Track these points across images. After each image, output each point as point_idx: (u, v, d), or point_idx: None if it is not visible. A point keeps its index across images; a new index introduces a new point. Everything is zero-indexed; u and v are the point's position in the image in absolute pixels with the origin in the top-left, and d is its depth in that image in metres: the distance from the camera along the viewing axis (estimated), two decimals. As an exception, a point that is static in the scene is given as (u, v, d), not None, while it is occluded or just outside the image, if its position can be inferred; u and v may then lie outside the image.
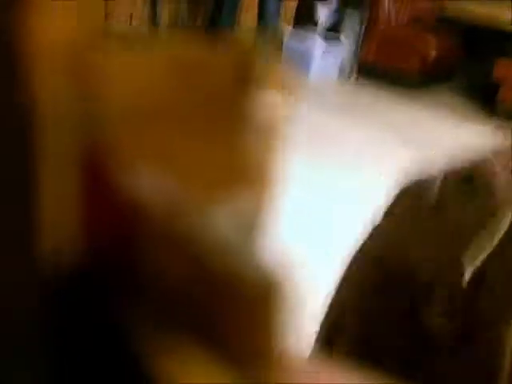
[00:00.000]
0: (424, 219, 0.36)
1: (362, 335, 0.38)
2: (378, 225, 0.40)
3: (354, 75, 5.19)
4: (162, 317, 0.23)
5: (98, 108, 0.23)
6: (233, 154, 0.25)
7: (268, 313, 0.24)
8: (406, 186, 0.39)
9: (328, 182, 3.19)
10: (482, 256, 0.32)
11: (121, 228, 0.23)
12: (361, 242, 0.42)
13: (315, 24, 5.01)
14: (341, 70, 5.17)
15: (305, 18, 5.09)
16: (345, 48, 5.12)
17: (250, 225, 0.25)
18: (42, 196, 0.22)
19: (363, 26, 5.10)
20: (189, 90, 0.25)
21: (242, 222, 0.24)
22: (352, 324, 0.39)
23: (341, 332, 0.40)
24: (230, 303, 0.23)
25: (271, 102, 0.26)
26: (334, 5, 5.08)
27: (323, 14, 5.04)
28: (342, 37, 5.11)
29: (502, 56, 4.31)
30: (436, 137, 3.96)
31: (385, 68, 5.01)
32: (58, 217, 0.22)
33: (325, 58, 4.98)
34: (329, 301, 0.43)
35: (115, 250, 0.23)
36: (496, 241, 0.32)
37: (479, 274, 0.32)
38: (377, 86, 4.91)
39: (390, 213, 0.39)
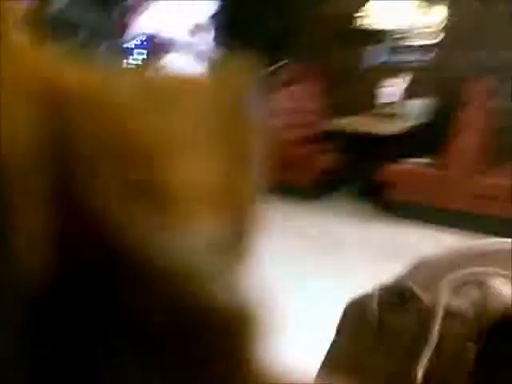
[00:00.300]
0: (368, 335, 0.37)
1: None
2: (333, 341, 0.40)
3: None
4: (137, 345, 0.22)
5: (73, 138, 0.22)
6: (211, 177, 0.24)
7: (244, 342, 0.24)
8: (351, 301, 0.40)
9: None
10: (425, 358, 0.33)
11: (95, 252, 0.22)
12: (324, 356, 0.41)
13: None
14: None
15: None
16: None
17: (227, 250, 0.24)
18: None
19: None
20: (165, 114, 0.24)
21: (217, 246, 0.23)
22: None
23: None
24: (205, 333, 0.23)
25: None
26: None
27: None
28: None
29: (386, 159, 4.72)
30: (340, 238, 4.15)
31: (281, 184, 5.28)
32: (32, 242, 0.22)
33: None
34: None
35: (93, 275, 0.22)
36: (434, 341, 0.33)
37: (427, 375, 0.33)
38: (276, 200, 5.14)
39: (341, 329, 0.40)
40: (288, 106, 5.48)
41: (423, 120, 5.13)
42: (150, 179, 0.23)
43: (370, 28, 5.36)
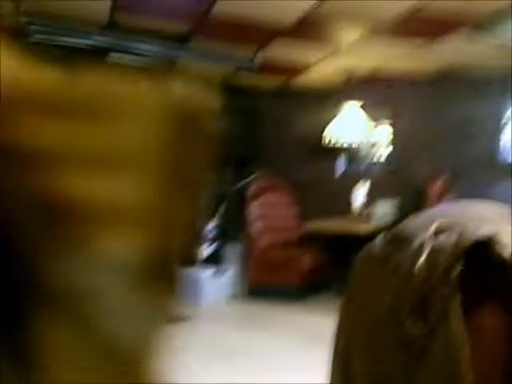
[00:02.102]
0: (374, 270, 0.42)
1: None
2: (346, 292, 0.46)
3: (243, 295, 5.42)
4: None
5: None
6: (138, 199, 0.21)
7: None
8: (359, 253, 0.44)
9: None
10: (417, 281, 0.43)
11: None
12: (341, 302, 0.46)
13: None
14: (230, 293, 5.40)
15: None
16: (229, 274, 5.42)
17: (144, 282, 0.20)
18: None
19: (243, 254, 5.51)
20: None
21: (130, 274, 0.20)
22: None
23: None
24: None
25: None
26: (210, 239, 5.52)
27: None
28: (226, 265, 5.45)
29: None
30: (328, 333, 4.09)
31: (268, 286, 5.29)
32: None
33: (213, 283, 5.20)
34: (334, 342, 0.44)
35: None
36: (422, 268, 0.44)
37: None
38: (263, 301, 5.12)
39: (352, 278, 0.45)
40: (265, 212, 5.67)
41: (391, 220, 5.31)
42: (59, 190, 0.19)
43: (335, 142, 5.70)
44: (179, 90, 0.23)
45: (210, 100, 0.23)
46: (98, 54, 4.31)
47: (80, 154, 0.20)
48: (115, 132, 0.21)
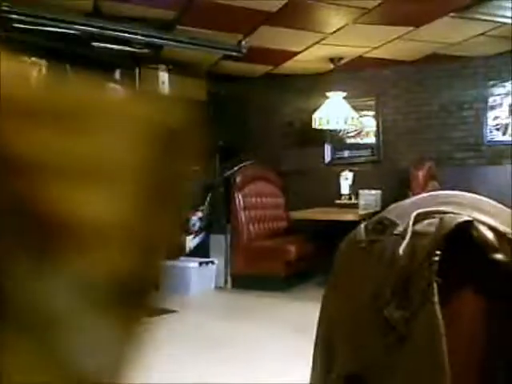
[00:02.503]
0: (359, 255, 0.42)
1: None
2: (330, 276, 0.46)
3: (228, 286, 5.45)
4: None
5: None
6: (118, 216, 0.20)
7: None
8: (344, 239, 0.45)
9: (222, 378, 3.12)
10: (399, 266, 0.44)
11: None
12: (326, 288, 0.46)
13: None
14: (216, 283, 5.42)
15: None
16: (216, 264, 5.44)
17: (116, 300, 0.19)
18: None
19: (229, 245, 5.53)
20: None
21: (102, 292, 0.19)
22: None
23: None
24: None
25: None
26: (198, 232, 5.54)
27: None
28: (213, 256, 5.47)
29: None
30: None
31: (254, 276, 5.32)
32: None
33: (199, 274, 5.22)
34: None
35: None
36: (403, 254, 0.44)
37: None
38: (249, 292, 5.15)
39: (336, 262, 0.45)
40: (252, 202, 5.68)
41: (376, 208, 5.36)
42: (37, 202, 0.18)
43: (322, 129, 5.71)
44: (162, 104, 0.23)
45: (191, 115, 0.23)
46: (82, 42, 4.26)
47: (61, 164, 0.19)
48: (97, 144, 0.20)
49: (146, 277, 0.20)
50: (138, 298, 0.20)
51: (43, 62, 4.29)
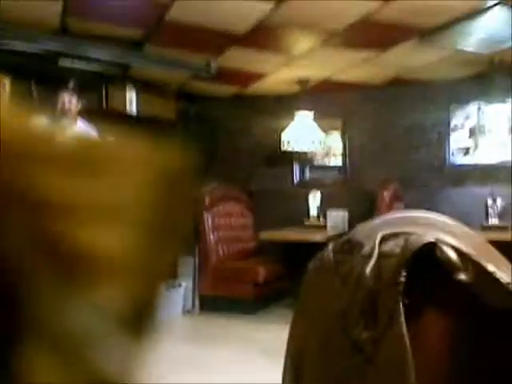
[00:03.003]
0: (327, 275, 0.42)
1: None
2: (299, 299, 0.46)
3: (196, 309, 5.37)
4: None
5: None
6: (128, 250, 0.22)
7: None
8: (312, 260, 0.46)
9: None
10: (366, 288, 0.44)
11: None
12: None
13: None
14: (184, 307, 5.34)
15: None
16: (183, 288, 5.37)
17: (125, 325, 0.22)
18: None
19: (197, 267, 5.47)
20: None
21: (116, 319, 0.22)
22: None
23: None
24: None
25: None
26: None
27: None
28: (180, 279, 5.40)
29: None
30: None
31: (222, 298, 5.27)
32: None
33: (167, 298, 5.13)
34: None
35: None
36: (369, 275, 0.45)
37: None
38: (218, 315, 5.10)
39: (304, 283, 0.45)
40: (220, 223, 5.65)
41: (344, 229, 5.41)
42: (62, 238, 0.21)
43: (289, 150, 5.76)
44: (164, 152, 0.26)
45: (188, 161, 0.26)
46: (48, 60, 4.20)
47: (82, 204, 0.22)
48: (111, 187, 0.23)
49: (152, 299, 0.24)
50: (147, 318, 0.23)
51: (7, 80, 4.22)
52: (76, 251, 0.21)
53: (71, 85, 4.05)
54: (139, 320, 0.23)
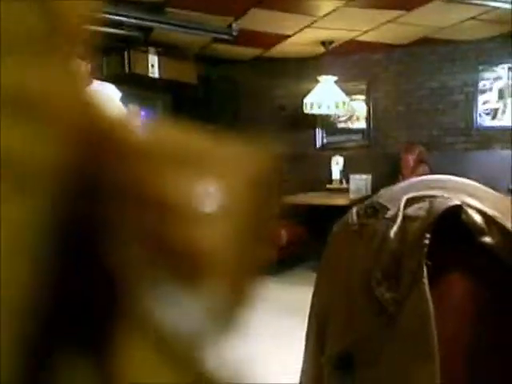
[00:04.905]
0: (351, 238, 0.43)
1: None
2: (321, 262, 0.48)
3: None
4: None
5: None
6: (229, 245, 0.24)
7: None
8: (335, 225, 0.46)
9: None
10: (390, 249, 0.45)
11: None
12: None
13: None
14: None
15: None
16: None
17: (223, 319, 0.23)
18: None
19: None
20: None
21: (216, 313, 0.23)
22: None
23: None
24: None
25: None
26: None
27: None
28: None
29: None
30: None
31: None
32: None
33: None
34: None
35: None
36: (394, 237, 0.45)
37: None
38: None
39: (327, 246, 0.47)
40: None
41: (367, 193, 5.39)
42: (173, 239, 0.22)
43: (313, 113, 5.71)
44: (258, 154, 0.27)
45: (279, 166, 0.27)
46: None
47: (188, 204, 0.23)
48: (215, 185, 0.23)
49: (248, 295, 0.25)
50: (238, 317, 0.24)
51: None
52: (183, 247, 0.22)
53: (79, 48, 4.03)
54: (233, 319, 0.23)
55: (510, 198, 0.44)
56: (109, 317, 0.22)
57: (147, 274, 0.22)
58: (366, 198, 0.46)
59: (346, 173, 5.82)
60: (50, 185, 0.21)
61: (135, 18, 4.30)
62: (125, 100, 3.33)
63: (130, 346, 0.22)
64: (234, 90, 6.20)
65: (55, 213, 0.21)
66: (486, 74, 5.41)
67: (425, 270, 0.39)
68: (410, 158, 5.27)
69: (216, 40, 5.07)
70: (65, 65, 0.23)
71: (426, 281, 0.37)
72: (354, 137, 6.09)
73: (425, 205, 0.40)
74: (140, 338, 0.22)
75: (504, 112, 5.39)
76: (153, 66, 5.33)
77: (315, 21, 4.63)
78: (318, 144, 6.20)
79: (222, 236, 0.23)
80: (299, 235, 5.49)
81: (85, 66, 4.01)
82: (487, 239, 0.39)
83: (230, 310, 0.23)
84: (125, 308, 0.22)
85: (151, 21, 4.45)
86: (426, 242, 0.39)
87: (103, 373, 0.22)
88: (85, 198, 0.22)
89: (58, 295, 0.21)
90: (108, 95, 3.80)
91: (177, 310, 0.22)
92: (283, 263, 5.35)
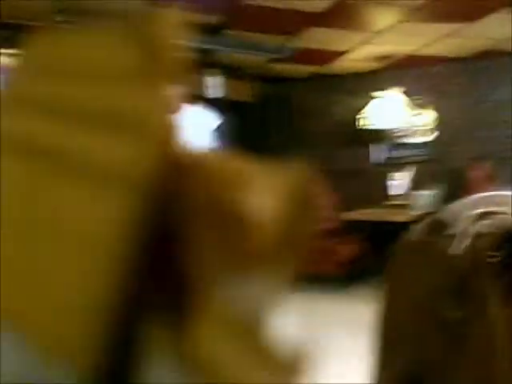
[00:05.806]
0: (414, 256, 0.43)
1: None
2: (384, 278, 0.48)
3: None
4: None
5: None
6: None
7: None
8: (400, 240, 0.47)
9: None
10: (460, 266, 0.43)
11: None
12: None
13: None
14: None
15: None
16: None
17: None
18: None
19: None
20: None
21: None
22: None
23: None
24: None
25: None
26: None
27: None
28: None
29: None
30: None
31: (308, 277, 5.28)
32: None
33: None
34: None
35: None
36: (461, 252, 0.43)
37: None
38: (300, 293, 5.12)
39: (391, 262, 0.47)
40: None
41: (431, 209, 5.23)
42: (243, 248, 0.26)
43: (371, 128, 5.63)
44: (298, 176, 0.32)
45: (314, 184, 0.33)
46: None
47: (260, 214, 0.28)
48: (255, 201, 0.27)
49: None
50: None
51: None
52: (250, 248, 0.26)
53: None
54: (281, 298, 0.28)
55: None
56: (185, 303, 0.25)
57: (220, 272, 0.25)
58: (429, 214, 0.45)
59: (408, 188, 5.68)
60: (142, 189, 0.24)
61: (195, 41, 4.41)
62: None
63: (202, 326, 0.24)
64: (289, 107, 6.22)
65: (145, 213, 0.25)
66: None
67: (494, 288, 0.37)
68: (476, 174, 5.07)
69: (271, 59, 5.12)
70: (157, 91, 0.27)
71: (496, 299, 0.36)
72: (415, 151, 5.94)
73: (493, 221, 0.39)
74: (210, 319, 0.25)
75: None
76: (210, 86, 5.44)
77: (372, 36, 4.60)
78: (378, 159, 6.09)
79: (273, 240, 0.27)
80: (362, 251, 5.38)
81: (177, 91, 4.14)
82: None
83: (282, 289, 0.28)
84: (198, 296, 0.25)
85: (210, 43, 4.55)
86: (496, 260, 0.37)
87: (178, 348, 0.24)
88: (165, 208, 0.25)
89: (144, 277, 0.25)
90: (197, 119, 3.90)
91: (239, 293, 0.25)
92: (344, 280, 5.25)
